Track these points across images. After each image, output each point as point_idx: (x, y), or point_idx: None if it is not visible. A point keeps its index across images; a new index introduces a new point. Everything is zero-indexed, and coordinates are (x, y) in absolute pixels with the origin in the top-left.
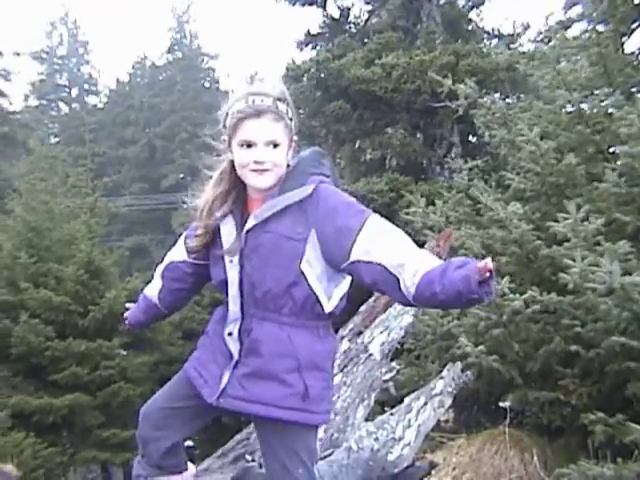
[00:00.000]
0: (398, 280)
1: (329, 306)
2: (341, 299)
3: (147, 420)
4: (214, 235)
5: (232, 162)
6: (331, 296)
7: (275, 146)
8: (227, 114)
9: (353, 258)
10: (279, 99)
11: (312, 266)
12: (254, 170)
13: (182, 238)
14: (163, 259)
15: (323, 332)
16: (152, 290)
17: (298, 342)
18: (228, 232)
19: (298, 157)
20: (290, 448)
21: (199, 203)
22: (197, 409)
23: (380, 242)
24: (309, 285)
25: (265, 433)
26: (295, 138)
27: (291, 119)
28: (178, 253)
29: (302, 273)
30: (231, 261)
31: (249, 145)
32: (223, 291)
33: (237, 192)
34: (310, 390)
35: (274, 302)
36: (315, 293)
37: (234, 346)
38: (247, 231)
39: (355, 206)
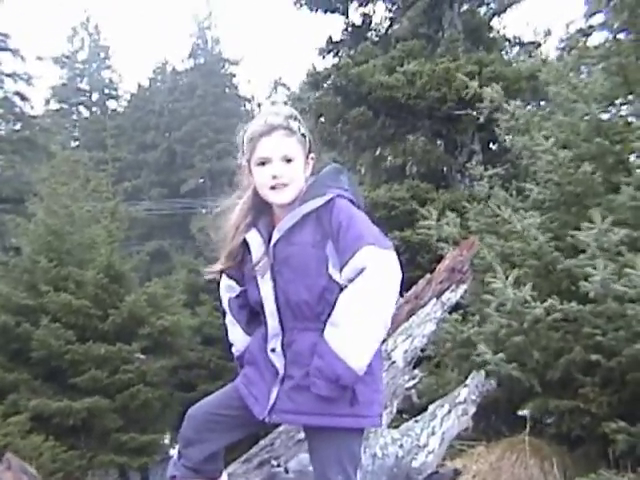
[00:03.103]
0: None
1: None
2: None
3: (192, 421)
4: (243, 255)
5: (255, 188)
6: None
7: (289, 161)
8: (243, 140)
9: (342, 280)
10: (290, 117)
11: (337, 271)
12: (273, 187)
13: (222, 289)
14: (224, 312)
15: None
16: (238, 340)
17: None
18: (257, 249)
19: (316, 174)
20: (335, 456)
21: (226, 229)
22: (243, 419)
23: (354, 280)
24: (341, 288)
25: (313, 441)
26: (312, 156)
27: (304, 135)
28: (229, 290)
29: (331, 277)
30: (263, 278)
31: (265, 162)
32: (260, 309)
33: (260, 210)
34: (359, 395)
35: (312, 311)
36: None
37: (279, 361)
38: (274, 245)
39: (357, 229)
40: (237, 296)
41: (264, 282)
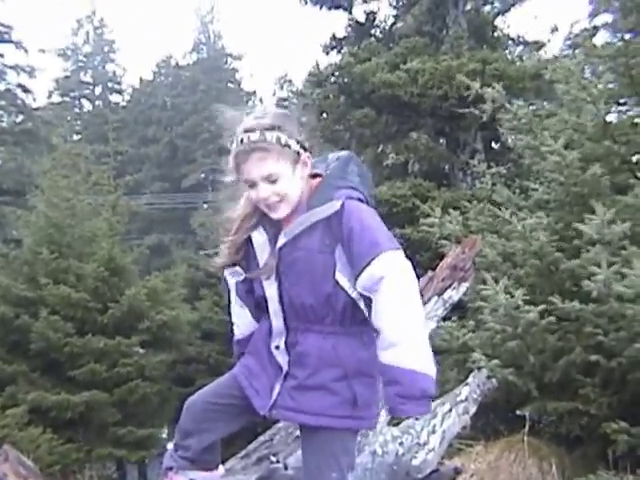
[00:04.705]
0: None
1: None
2: None
3: (191, 411)
4: (247, 249)
5: None
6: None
7: (273, 181)
8: (230, 156)
9: (358, 288)
10: (266, 129)
11: (345, 275)
12: (265, 205)
13: (227, 274)
14: (229, 299)
15: (367, 338)
16: (244, 324)
17: (343, 351)
18: (262, 248)
19: (325, 163)
20: (330, 452)
21: (232, 215)
22: (242, 408)
23: (378, 295)
24: (346, 293)
25: (310, 438)
26: (307, 155)
27: (287, 145)
28: (235, 274)
29: (337, 283)
30: (268, 278)
31: (252, 184)
32: (263, 305)
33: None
34: (359, 397)
35: (315, 314)
36: (353, 299)
37: (282, 358)
38: (280, 248)
39: (372, 235)
40: (243, 280)
41: (269, 282)
